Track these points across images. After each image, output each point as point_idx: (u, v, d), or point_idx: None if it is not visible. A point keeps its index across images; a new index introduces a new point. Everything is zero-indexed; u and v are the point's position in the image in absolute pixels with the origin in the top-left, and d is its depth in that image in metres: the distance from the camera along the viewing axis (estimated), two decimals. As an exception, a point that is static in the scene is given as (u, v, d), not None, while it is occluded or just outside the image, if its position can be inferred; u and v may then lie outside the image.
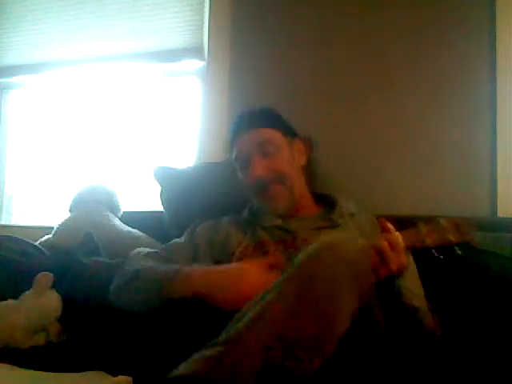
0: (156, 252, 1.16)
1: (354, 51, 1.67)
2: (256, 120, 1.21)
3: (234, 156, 1.23)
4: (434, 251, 0.92)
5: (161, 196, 1.58)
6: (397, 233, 0.90)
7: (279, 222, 1.15)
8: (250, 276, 0.91)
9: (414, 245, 0.92)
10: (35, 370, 1.05)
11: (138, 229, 1.61)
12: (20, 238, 1.49)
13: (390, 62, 1.64)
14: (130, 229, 1.62)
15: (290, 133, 1.22)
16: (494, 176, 1.50)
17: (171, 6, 1.95)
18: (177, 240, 1.23)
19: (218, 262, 1.10)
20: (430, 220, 0.94)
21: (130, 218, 1.69)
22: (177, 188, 1.55)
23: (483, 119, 1.54)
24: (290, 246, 1.09)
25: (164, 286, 0.95)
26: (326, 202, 1.25)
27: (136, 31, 1.99)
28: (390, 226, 0.92)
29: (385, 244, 0.87)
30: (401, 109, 1.61)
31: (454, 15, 1.58)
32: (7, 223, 2.18)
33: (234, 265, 0.99)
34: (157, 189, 1.60)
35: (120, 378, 0.88)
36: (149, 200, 1.92)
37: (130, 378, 0.87)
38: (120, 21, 2.01)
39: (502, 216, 1.47)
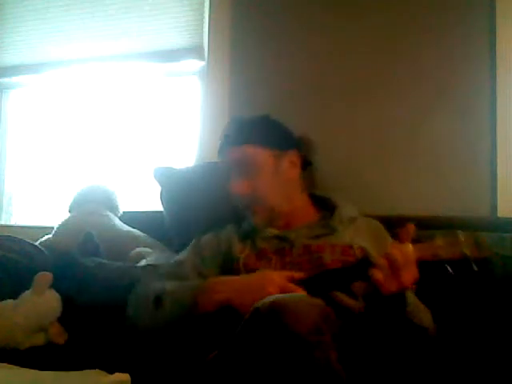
0: (164, 268, 1.18)
1: (354, 51, 1.67)
2: (240, 135, 1.18)
3: (219, 164, 1.25)
4: (447, 266, 0.86)
5: (161, 196, 1.58)
6: (409, 244, 0.87)
7: (277, 232, 1.16)
8: (272, 284, 0.91)
9: (425, 257, 0.86)
10: (33, 368, 1.05)
11: (137, 229, 1.61)
12: (20, 238, 1.49)
13: (390, 64, 1.64)
14: (130, 229, 1.62)
15: (280, 145, 1.19)
16: (494, 176, 1.50)
17: (171, 5, 1.95)
18: (181, 256, 1.22)
19: (222, 272, 1.12)
20: (448, 233, 0.88)
21: (130, 218, 1.69)
22: (177, 188, 1.55)
23: (483, 119, 1.53)
24: (288, 254, 1.10)
25: (190, 304, 0.95)
26: (325, 206, 1.24)
27: (136, 31, 1.99)
28: (410, 236, 0.88)
29: (397, 253, 0.85)
30: (401, 109, 1.61)
31: (455, 15, 1.58)
32: (7, 223, 2.18)
33: (258, 272, 1.01)
34: (157, 189, 1.60)
35: (118, 375, 0.88)
36: (149, 200, 1.92)
37: (127, 375, 0.87)
38: (120, 21, 2.01)
39: (502, 216, 1.47)
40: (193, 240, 1.25)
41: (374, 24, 1.65)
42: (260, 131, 1.19)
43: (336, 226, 1.14)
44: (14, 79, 2.20)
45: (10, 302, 1.26)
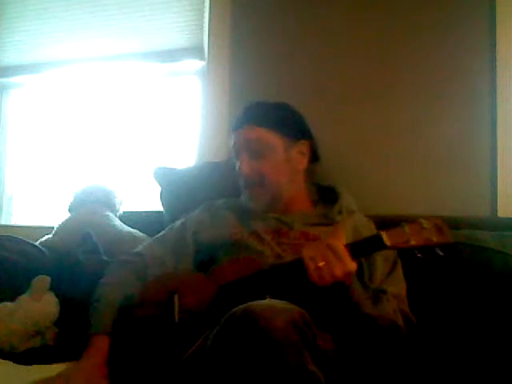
0: (141, 253, 1.24)
1: (355, 51, 1.67)
2: (256, 117, 1.21)
3: (231, 143, 1.26)
4: (416, 252, 0.91)
5: (161, 196, 1.58)
6: (339, 241, 0.91)
7: (276, 214, 1.19)
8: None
9: (397, 245, 0.92)
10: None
11: (137, 229, 1.61)
12: (20, 238, 1.49)
13: (391, 63, 1.64)
14: (129, 229, 1.62)
15: (293, 134, 1.21)
16: (494, 176, 1.50)
17: (171, 5, 1.95)
18: (164, 232, 1.29)
19: (208, 246, 1.17)
20: (412, 220, 0.93)
21: (130, 218, 1.69)
22: (177, 188, 1.55)
23: (483, 119, 1.53)
24: (285, 235, 1.14)
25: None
26: (328, 197, 1.27)
27: (136, 31, 1.99)
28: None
29: (323, 248, 0.89)
30: (401, 109, 1.61)
31: (455, 16, 1.58)
32: (7, 223, 2.18)
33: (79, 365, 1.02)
34: (157, 189, 1.60)
35: None
36: (149, 200, 1.92)
37: None
38: (120, 21, 2.01)
39: (502, 216, 1.47)
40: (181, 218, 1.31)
41: (374, 26, 1.65)
42: (277, 117, 1.22)
43: (335, 217, 1.17)
44: (14, 79, 2.19)
45: (7, 305, 1.25)
